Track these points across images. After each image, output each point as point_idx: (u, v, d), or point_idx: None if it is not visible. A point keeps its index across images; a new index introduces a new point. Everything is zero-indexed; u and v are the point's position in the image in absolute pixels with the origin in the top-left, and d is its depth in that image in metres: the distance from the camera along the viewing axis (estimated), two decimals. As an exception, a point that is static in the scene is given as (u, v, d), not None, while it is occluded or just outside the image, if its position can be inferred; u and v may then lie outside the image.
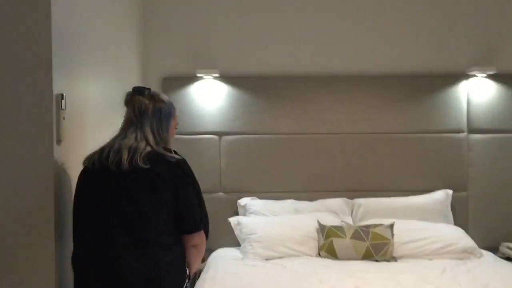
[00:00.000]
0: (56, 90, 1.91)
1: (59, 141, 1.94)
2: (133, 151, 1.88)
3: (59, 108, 1.94)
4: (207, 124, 3.55)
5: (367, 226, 3.12)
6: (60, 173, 1.95)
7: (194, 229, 1.95)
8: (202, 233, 1.97)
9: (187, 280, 2.00)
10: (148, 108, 1.96)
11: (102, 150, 1.93)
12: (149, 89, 2.03)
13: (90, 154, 1.97)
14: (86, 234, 1.88)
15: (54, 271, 1.87)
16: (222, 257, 3.14)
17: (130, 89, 2.08)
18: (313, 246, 3.13)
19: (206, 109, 3.56)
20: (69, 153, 2.05)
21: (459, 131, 3.57)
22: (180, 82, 3.56)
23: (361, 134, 3.57)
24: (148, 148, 1.90)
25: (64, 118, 1.97)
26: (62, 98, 1.95)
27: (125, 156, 1.86)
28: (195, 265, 2.02)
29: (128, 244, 1.84)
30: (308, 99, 3.58)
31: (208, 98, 3.55)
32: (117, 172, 1.86)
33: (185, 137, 3.47)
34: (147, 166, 1.85)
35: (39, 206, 1.87)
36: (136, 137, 1.92)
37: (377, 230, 3.06)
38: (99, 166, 1.89)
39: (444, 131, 3.57)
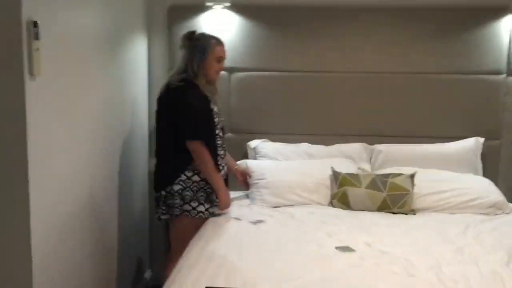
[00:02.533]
0: (26, 16, 1.67)
1: (32, 76, 1.72)
2: (166, 81, 2.68)
3: (31, 37, 1.70)
4: (216, 59, 3.26)
5: (386, 175, 2.86)
6: (34, 111, 1.74)
7: (184, 138, 2.56)
8: (193, 142, 2.55)
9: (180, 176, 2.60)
10: (184, 47, 2.63)
11: None
12: (194, 31, 2.68)
13: None
14: None
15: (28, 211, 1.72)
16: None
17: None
18: (326, 194, 2.91)
19: (216, 42, 3.26)
20: (45, 89, 1.83)
21: (497, 72, 3.18)
22: (188, 11, 3.24)
23: (385, 73, 3.23)
24: (172, 78, 2.62)
25: (38, 49, 1.73)
26: (35, 26, 1.71)
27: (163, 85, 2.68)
28: (200, 168, 2.59)
29: (157, 148, 2.71)
30: (328, 34, 3.23)
31: (218, 31, 3.22)
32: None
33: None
34: (161, 94, 2.65)
35: (10, 146, 1.69)
36: (174, 70, 2.68)
37: (396, 180, 2.81)
38: None
39: (480, 73, 3.19)
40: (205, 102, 2.63)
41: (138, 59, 3.10)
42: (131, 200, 3.03)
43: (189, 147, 2.57)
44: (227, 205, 2.65)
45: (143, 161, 3.27)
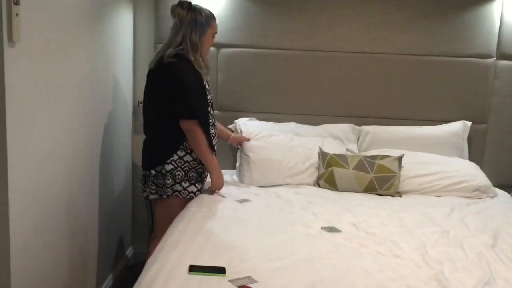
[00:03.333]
0: (5, -21, 1.58)
1: (11, 42, 1.64)
2: (156, 54, 2.54)
3: (11, 1, 1.62)
4: (204, 34, 3.18)
5: (373, 157, 2.85)
6: (12, 78, 1.66)
7: (178, 117, 2.45)
8: (189, 121, 2.44)
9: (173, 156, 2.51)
10: (185, 18, 2.45)
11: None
12: (190, 2, 2.49)
13: None
14: None
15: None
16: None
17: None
18: (313, 174, 2.89)
19: (204, 17, 3.16)
20: (25, 56, 1.75)
21: (486, 56, 3.16)
22: (175, -16, 3.15)
23: (376, 54, 3.19)
24: (167, 52, 2.43)
25: (17, 15, 1.65)
26: (15, -10, 1.63)
27: (152, 59, 2.56)
28: (194, 148, 2.51)
29: (146, 125, 2.61)
30: (318, 12, 3.17)
31: (206, 5, 3.14)
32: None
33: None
34: (152, 67, 2.51)
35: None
36: (167, 42, 2.50)
37: (383, 162, 2.79)
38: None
39: (470, 56, 3.16)
40: (199, 78, 2.50)
41: (123, 31, 3.01)
42: (113, 177, 2.97)
43: (183, 126, 2.46)
44: (219, 186, 2.57)
45: (126, 136, 3.20)
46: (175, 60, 2.42)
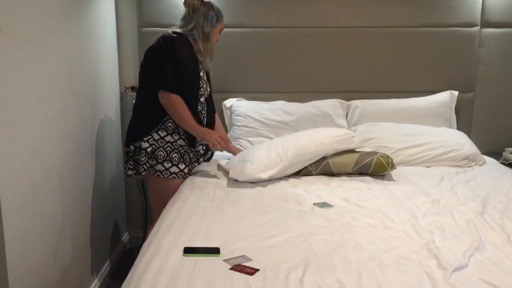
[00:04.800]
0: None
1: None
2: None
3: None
4: (187, 15, 3.14)
5: (366, 165, 2.55)
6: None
7: (158, 86, 2.43)
8: (163, 92, 2.43)
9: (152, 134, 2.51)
10: (198, 8, 2.50)
11: None
12: None
13: None
14: None
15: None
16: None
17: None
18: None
19: (186, -2, 3.13)
20: (7, 46, 1.73)
21: (471, 24, 3.17)
22: (156, -34, 3.10)
23: (361, 28, 3.19)
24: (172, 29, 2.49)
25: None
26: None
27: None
28: (178, 122, 2.49)
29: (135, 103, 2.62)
30: (303, -13, 3.15)
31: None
32: None
33: (163, 30, 3.09)
34: (153, 43, 2.50)
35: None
36: (178, 27, 2.52)
37: (375, 171, 2.55)
38: None
39: (454, 25, 3.17)
40: (194, 61, 2.50)
41: (106, 16, 2.96)
42: (105, 164, 2.97)
43: (160, 99, 2.44)
44: (214, 142, 2.48)
45: (115, 123, 3.19)
46: (175, 35, 2.45)
